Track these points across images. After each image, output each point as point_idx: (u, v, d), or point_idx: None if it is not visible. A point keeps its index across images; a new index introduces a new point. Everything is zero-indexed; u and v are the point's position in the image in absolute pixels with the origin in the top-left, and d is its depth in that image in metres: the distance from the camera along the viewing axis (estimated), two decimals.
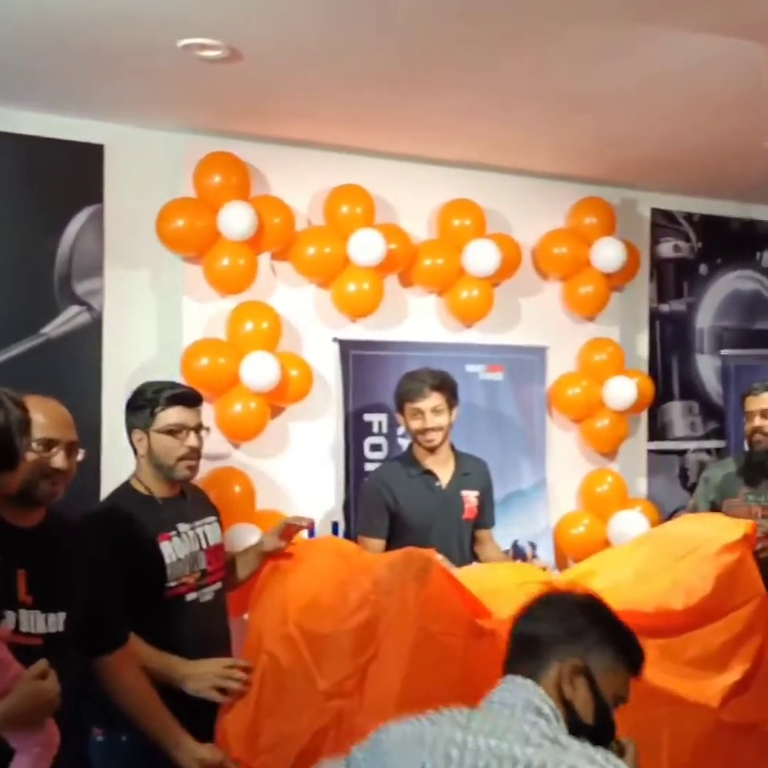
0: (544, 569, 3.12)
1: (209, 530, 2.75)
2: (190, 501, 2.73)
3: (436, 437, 3.30)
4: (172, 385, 2.69)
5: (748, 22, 2.67)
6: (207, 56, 2.92)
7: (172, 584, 2.57)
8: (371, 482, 3.46)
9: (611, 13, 2.65)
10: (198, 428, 2.65)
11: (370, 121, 3.65)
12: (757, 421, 3.63)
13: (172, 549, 2.59)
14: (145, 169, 3.72)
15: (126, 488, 2.69)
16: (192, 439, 2.61)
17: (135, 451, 2.66)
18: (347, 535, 3.88)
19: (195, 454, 2.63)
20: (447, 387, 3.33)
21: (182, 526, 2.64)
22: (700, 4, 2.56)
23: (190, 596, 2.61)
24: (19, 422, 1.86)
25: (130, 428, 2.66)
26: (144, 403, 2.63)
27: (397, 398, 3.39)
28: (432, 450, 3.34)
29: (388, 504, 3.33)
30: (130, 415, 2.66)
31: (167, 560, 2.56)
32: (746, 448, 3.80)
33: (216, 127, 3.72)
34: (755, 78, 3.10)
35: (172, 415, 2.60)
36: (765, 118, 3.50)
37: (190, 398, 2.65)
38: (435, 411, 3.28)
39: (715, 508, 3.64)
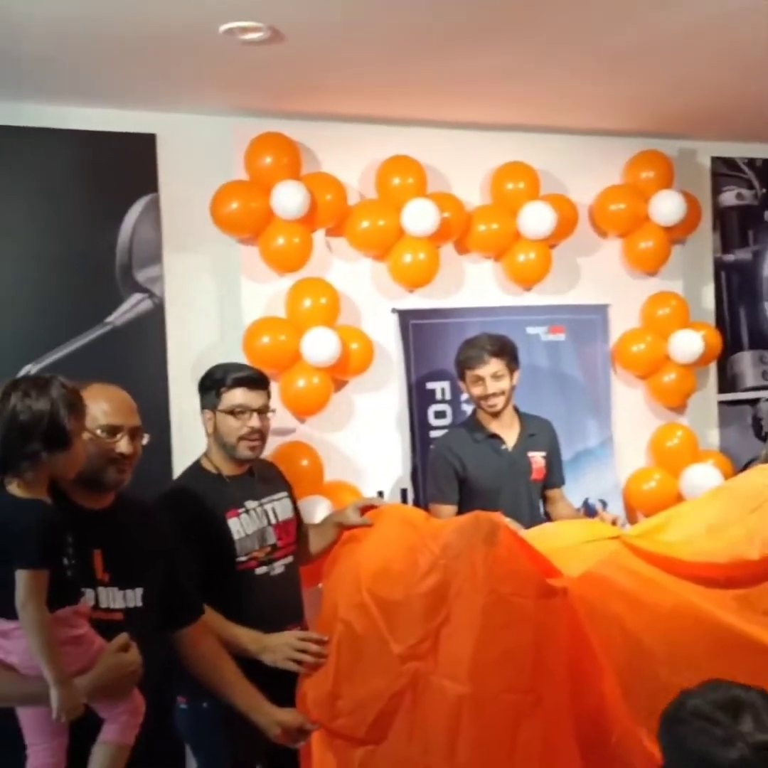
0: (614, 522, 3.11)
1: (279, 506, 2.82)
2: (258, 479, 2.80)
3: (498, 402, 3.32)
4: (240, 367, 2.77)
5: None
6: (249, 39, 2.94)
7: (242, 559, 2.65)
8: (438, 449, 3.48)
9: None
10: (262, 410, 2.71)
11: (415, 90, 3.64)
12: None
13: (240, 525, 2.67)
14: (197, 154, 3.77)
15: (196, 467, 2.77)
16: (254, 420, 2.68)
17: (206, 431, 2.74)
18: (416, 502, 3.92)
19: (257, 434, 2.70)
20: (506, 352, 3.34)
21: (250, 503, 2.72)
22: None
23: (260, 570, 2.69)
24: (67, 403, 1.91)
25: (202, 408, 2.76)
26: (211, 384, 2.72)
27: (458, 366, 3.41)
28: (496, 415, 3.36)
29: (457, 470, 3.35)
30: (201, 396, 2.77)
31: (235, 536, 2.64)
32: None
33: (263, 108, 3.74)
34: None
35: (236, 396, 2.68)
36: None
37: (254, 380, 2.72)
38: (495, 377, 3.30)
39: None
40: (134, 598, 2.18)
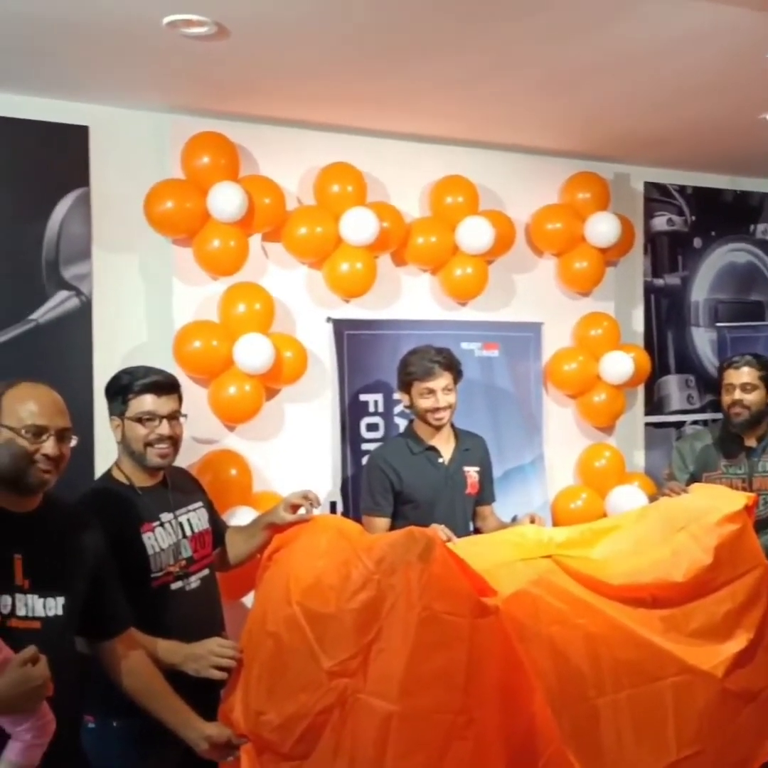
0: (533, 520, 3.11)
1: (194, 516, 2.74)
2: (172, 488, 2.70)
3: (445, 415, 3.32)
4: (147, 371, 2.64)
5: None
6: (193, 33, 2.87)
7: (157, 575, 2.56)
8: (374, 460, 3.44)
9: None
10: (172, 415, 2.61)
11: (359, 98, 3.61)
12: (737, 394, 3.63)
13: (155, 540, 2.57)
14: (131, 150, 3.68)
15: (107, 478, 2.67)
16: (163, 427, 2.57)
17: (115, 439, 2.64)
18: (346, 514, 3.87)
19: (167, 441, 2.59)
20: (454, 366, 3.36)
21: (165, 516, 2.63)
22: None
23: (176, 585, 2.61)
24: None
25: (110, 415, 2.65)
26: (118, 390, 2.61)
27: (404, 376, 3.36)
28: (439, 428, 3.34)
29: (393, 481, 3.32)
30: (108, 402, 2.66)
31: (150, 551, 2.55)
32: (723, 419, 3.79)
33: (203, 107, 3.67)
34: (744, 50, 3.07)
35: (143, 403, 2.57)
36: (756, 91, 3.47)
37: (162, 385, 2.61)
38: (446, 390, 3.30)
39: (694, 479, 3.64)
40: (55, 606, 2.09)
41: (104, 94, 3.50)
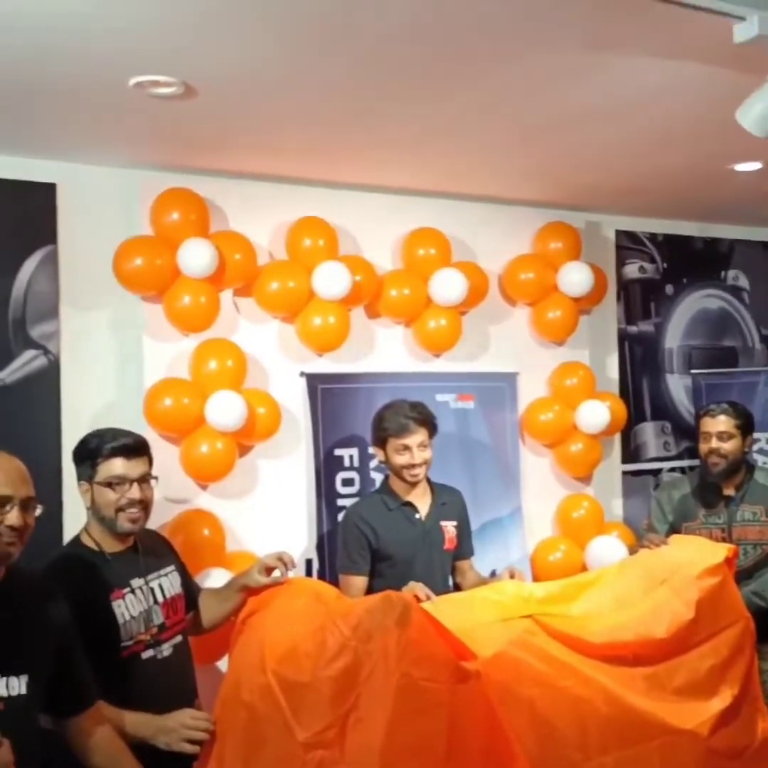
0: (512, 575, 3.05)
1: (166, 581, 2.67)
2: (142, 553, 2.63)
3: (421, 472, 3.28)
4: (116, 434, 2.58)
5: (701, 47, 2.65)
6: (160, 93, 2.86)
7: (127, 644, 2.49)
8: (350, 517, 3.38)
9: (566, 39, 2.61)
10: (143, 479, 2.55)
11: (328, 152, 3.61)
12: (714, 443, 3.62)
13: (125, 607, 2.50)
14: (99, 207, 3.65)
15: (76, 543, 2.60)
16: (134, 491, 2.52)
17: (84, 504, 2.58)
18: (322, 573, 3.80)
19: (138, 505, 2.53)
20: (429, 421, 3.32)
21: (135, 582, 2.56)
22: (652, 29, 2.53)
23: (147, 654, 2.53)
24: None
25: (78, 479, 2.59)
26: (86, 455, 2.55)
27: (379, 432, 3.32)
28: (414, 484, 3.30)
29: (369, 539, 3.26)
30: (76, 466, 2.59)
31: (120, 620, 2.48)
32: (701, 468, 3.78)
33: (172, 163, 3.65)
34: (712, 102, 3.10)
35: (113, 467, 2.51)
36: (724, 142, 3.51)
37: (132, 448, 2.55)
38: (421, 446, 3.26)
39: (674, 529, 3.61)
40: (18, 685, 2.01)
41: (72, 151, 3.48)
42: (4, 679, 1.99)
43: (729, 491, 3.67)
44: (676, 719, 2.54)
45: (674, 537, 3.34)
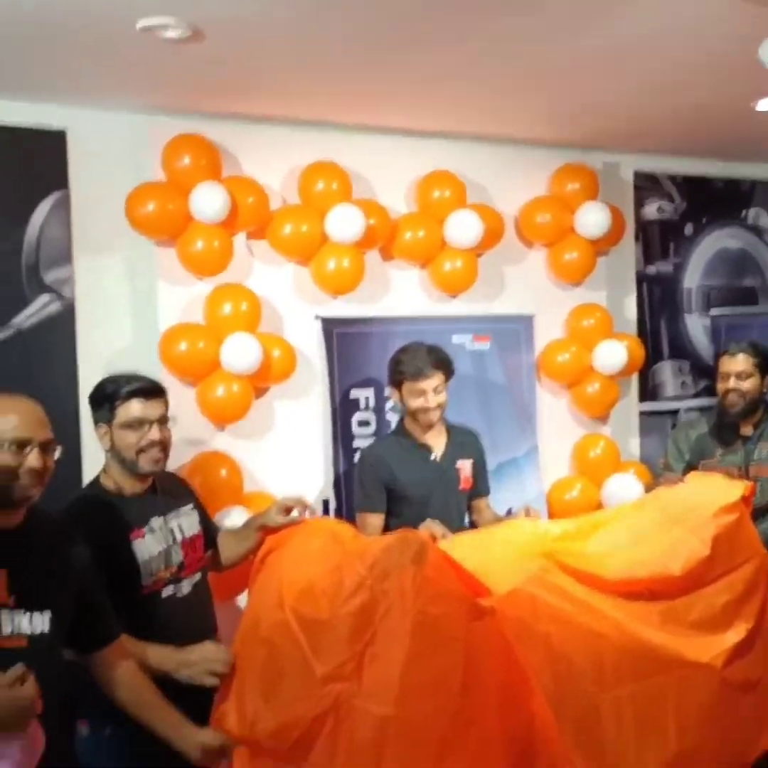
0: (528, 513, 3.08)
1: (185, 521, 2.70)
2: (161, 493, 2.67)
3: (435, 415, 3.28)
4: (131, 378, 2.60)
5: None
6: (168, 37, 2.82)
7: (147, 582, 2.53)
8: (367, 457, 3.41)
9: None
10: (161, 420, 2.58)
11: (342, 93, 3.56)
12: (732, 383, 3.61)
13: (145, 546, 2.54)
14: (110, 152, 3.63)
15: (95, 485, 2.63)
16: (154, 432, 2.54)
17: (103, 447, 2.60)
18: (339, 512, 3.83)
19: (159, 446, 2.56)
20: (446, 364, 3.31)
21: (155, 521, 2.59)
22: None
23: (167, 591, 2.58)
24: None
25: (95, 423, 2.61)
26: (104, 398, 2.56)
27: (395, 375, 3.32)
28: (429, 426, 3.31)
29: (385, 478, 3.29)
30: (94, 411, 2.61)
31: (140, 559, 2.51)
32: (719, 407, 3.76)
33: (182, 107, 3.62)
34: (734, 39, 3.02)
35: (132, 409, 2.53)
36: (746, 80, 3.44)
37: (149, 391, 2.57)
38: (437, 390, 3.26)
39: (690, 468, 3.62)
40: (42, 622, 2.04)
41: (81, 97, 3.45)
42: (28, 614, 2.02)
43: (746, 430, 3.66)
44: (691, 652, 2.55)
45: (691, 475, 3.34)
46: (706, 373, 5.05)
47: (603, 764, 2.39)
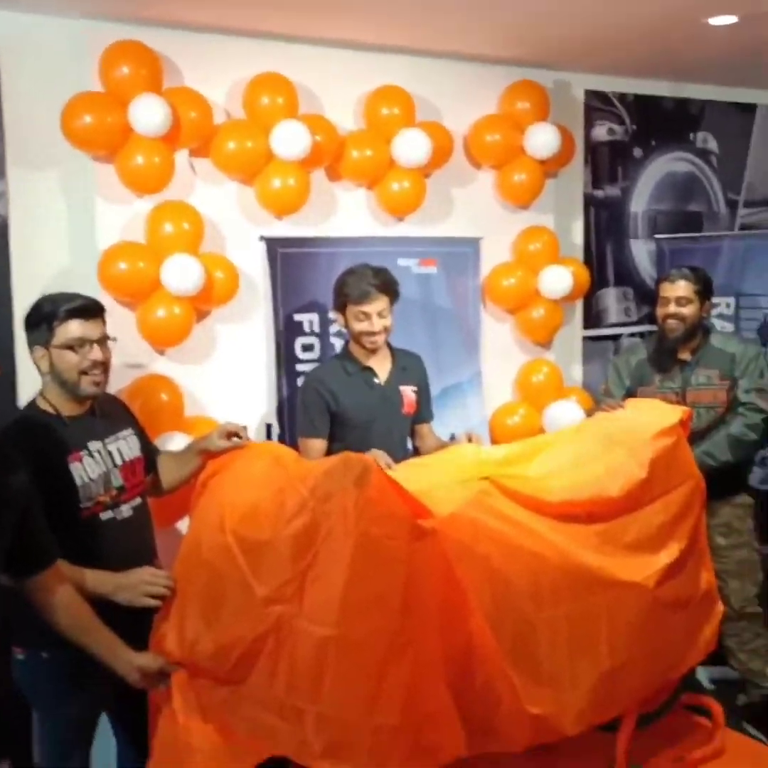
0: (470, 439, 3.12)
1: (124, 445, 2.68)
2: (100, 416, 2.64)
3: (380, 339, 3.29)
4: (70, 297, 2.54)
5: None
6: None
7: (86, 505, 2.52)
8: (310, 382, 3.40)
9: None
10: (101, 340, 2.53)
11: (291, 3, 3.42)
12: (672, 308, 3.64)
13: (83, 469, 2.52)
14: (44, 61, 3.45)
15: (31, 408, 2.59)
16: (95, 352, 2.51)
17: (39, 370, 2.55)
18: (281, 437, 3.83)
19: (100, 367, 2.53)
20: (391, 288, 3.29)
21: (93, 445, 2.57)
22: None
23: (106, 515, 2.57)
24: None
25: (30, 346, 2.55)
26: (41, 319, 2.51)
27: (340, 297, 3.30)
28: (374, 351, 3.30)
29: (328, 403, 3.29)
30: (29, 333, 2.55)
31: (78, 482, 2.50)
32: (658, 333, 3.81)
33: (123, 13, 3.44)
34: None
35: (71, 329, 2.48)
36: None
37: (89, 310, 2.52)
38: (381, 314, 3.25)
39: (630, 394, 3.67)
40: None
41: (12, 1, 3.27)
42: None
43: (684, 356, 3.70)
44: (624, 572, 2.62)
45: (630, 400, 3.39)
46: (648, 300, 5.07)
47: (538, 681, 2.47)
